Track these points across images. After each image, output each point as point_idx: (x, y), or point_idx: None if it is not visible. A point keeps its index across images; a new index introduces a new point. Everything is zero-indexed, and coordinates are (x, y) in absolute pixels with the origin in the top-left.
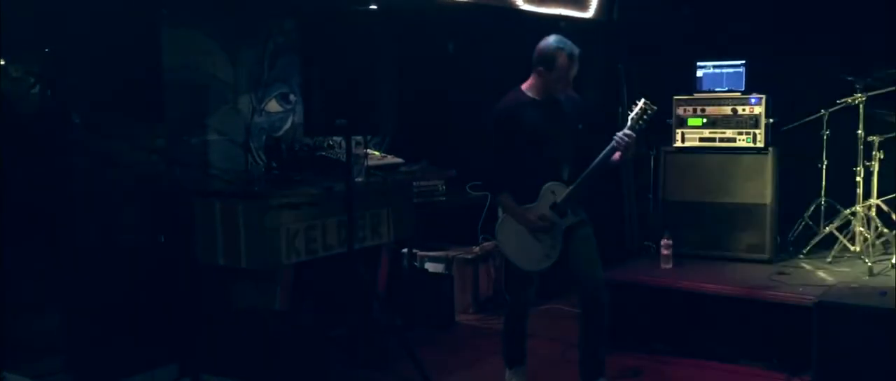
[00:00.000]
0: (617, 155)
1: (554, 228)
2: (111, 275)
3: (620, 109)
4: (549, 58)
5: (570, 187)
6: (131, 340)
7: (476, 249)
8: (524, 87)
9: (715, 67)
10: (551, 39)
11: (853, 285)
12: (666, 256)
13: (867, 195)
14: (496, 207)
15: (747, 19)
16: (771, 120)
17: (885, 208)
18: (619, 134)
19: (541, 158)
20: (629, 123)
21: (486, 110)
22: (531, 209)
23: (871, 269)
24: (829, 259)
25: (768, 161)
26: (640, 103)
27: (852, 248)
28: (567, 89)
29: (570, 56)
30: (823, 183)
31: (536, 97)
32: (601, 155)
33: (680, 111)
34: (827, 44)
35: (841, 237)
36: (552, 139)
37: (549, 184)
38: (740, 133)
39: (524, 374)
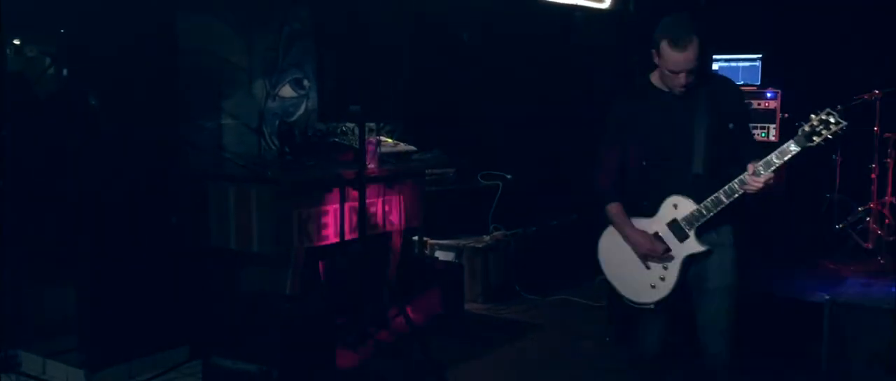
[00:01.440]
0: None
1: (668, 253)
2: (124, 256)
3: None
4: (653, 43)
5: (700, 205)
6: (143, 321)
7: (486, 238)
8: (652, 75)
9: (731, 60)
10: (665, 20)
11: (865, 283)
12: None
13: (882, 193)
14: (506, 196)
15: (765, 13)
16: (785, 115)
17: None
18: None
19: (664, 162)
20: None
21: (501, 100)
22: (645, 224)
23: (883, 266)
24: (841, 256)
25: None
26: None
27: (865, 245)
28: (680, 84)
29: (673, 44)
30: (837, 179)
31: (663, 88)
32: (739, 178)
33: None
34: (844, 39)
35: (854, 234)
36: (680, 141)
37: (674, 197)
38: (754, 127)
39: None
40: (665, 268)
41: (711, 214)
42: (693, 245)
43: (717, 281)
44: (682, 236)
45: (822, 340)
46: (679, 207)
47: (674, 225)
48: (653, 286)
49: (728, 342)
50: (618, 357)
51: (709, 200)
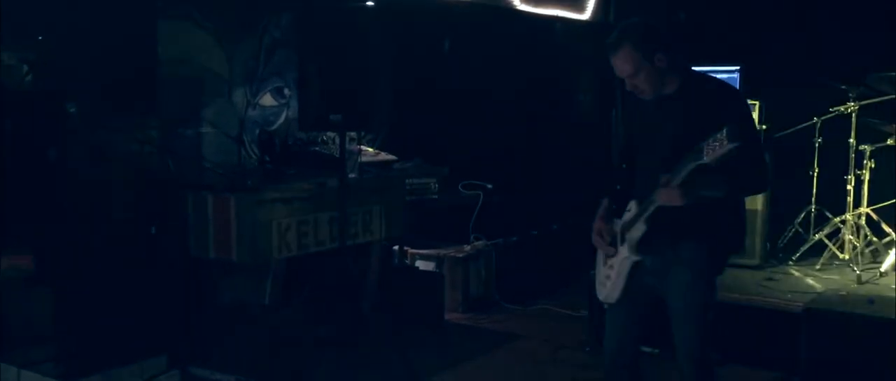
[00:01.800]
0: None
1: (616, 253)
2: (102, 265)
3: (614, 113)
4: None
5: (636, 211)
6: (121, 330)
7: (467, 248)
8: None
9: (709, 71)
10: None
11: (842, 293)
12: None
13: (857, 204)
14: (487, 206)
15: (743, 25)
16: (763, 126)
17: (874, 216)
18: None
19: (640, 165)
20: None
21: (483, 110)
22: (618, 224)
23: (859, 277)
24: (817, 266)
25: None
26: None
27: (841, 256)
28: (634, 90)
29: (607, 50)
30: (814, 190)
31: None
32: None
33: None
34: (821, 52)
35: (830, 245)
36: (656, 145)
37: (633, 201)
38: None
39: None
40: (612, 268)
41: (640, 219)
42: (626, 251)
43: (676, 303)
44: (623, 240)
45: (798, 349)
46: (631, 211)
47: (622, 228)
48: (602, 283)
49: (696, 364)
50: (597, 366)
51: (640, 207)
